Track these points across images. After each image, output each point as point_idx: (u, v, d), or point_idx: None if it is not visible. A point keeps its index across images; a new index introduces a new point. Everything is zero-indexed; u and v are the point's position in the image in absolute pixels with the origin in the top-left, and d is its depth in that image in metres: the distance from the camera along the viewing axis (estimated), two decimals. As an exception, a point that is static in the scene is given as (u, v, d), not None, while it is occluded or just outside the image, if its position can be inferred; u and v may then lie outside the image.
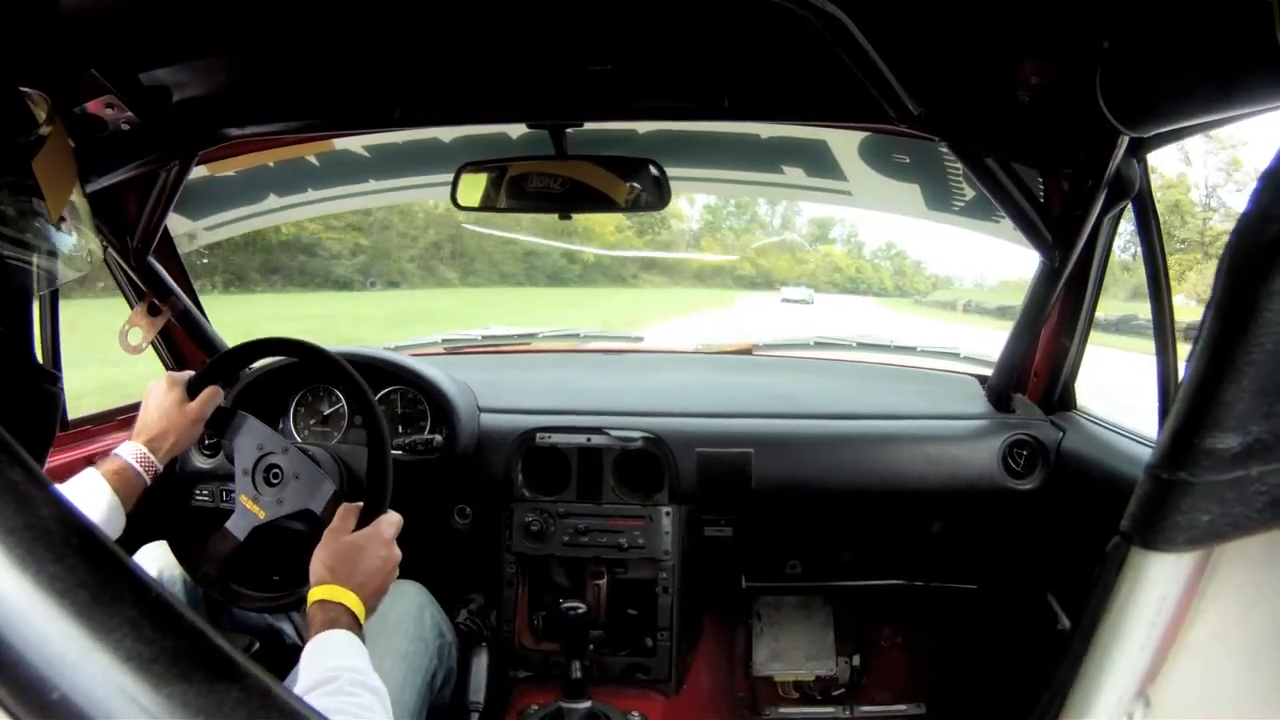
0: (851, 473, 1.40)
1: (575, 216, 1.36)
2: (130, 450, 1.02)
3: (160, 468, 1.04)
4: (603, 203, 1.30)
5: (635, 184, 1.29)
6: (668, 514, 1.41)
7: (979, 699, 1.54)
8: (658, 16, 1.01)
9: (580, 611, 1.27)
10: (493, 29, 1.05)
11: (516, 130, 1.57)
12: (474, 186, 1.32)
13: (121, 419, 1.45)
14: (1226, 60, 0.72)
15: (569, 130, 1.24)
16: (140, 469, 1.01)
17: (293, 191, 1.85)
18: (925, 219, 1.76)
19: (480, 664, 1.32)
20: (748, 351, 1.90)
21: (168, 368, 1.52)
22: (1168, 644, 0.34)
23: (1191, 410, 0.32)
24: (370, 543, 0.92)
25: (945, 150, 1.46)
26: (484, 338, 2.03)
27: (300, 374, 1.41)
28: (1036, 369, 1.46)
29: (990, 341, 1.71)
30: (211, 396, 1.09)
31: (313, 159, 1.78)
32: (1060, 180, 1.21)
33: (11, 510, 0.25)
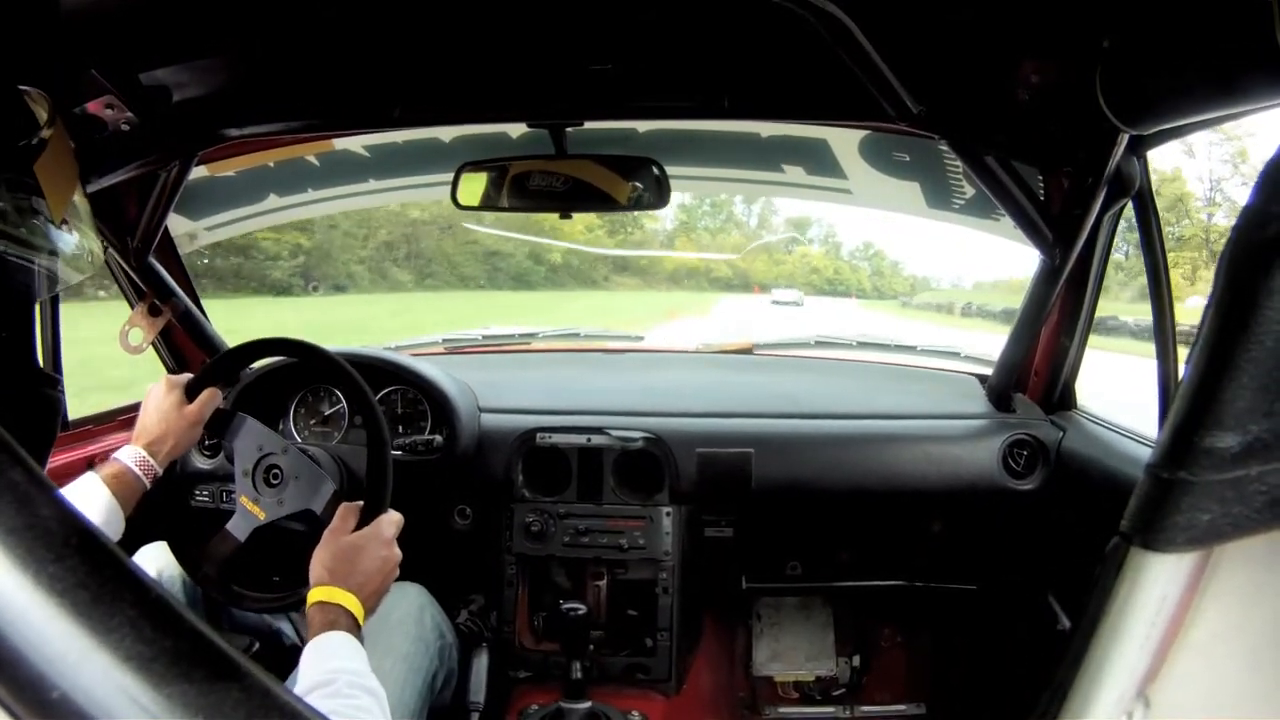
0: (852, 473, 1.40)
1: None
2: (129, 454, 1.02)
3: (159, 471, 1.04)
4: (604, 201, 1.30)
5: (636, 183, 1.29)
6: (668, 514, 1.41)
7: (979, 699, 1.54)
8: (658, 16, 1.01)
9: (580, 612, 1.27)
10: (493, 28, 1.05)
11: (516, 130, 1.57)
12: (474, 186, 1.32)
13: (122, 419, 1.45)
14: (1226, 58, 0.72)
15: (569, 130, 1.24)
16: (139, 472, 1.01)
17: (293, 191, 1.85)
18: (925, 217, 1.76)
19: (480, 664, 1.32)
20: (748, 351, 1.90)
21: (168, 368, 1.52)
22: (1167, 644, 0.34)
23: (1192, 409, 0.32)
24: (370, 543, 0.92)
25: (945, 149, 1.46)
26: (484, 338, 2.03)
27: (300, 374, 1.41)
28: (1037, 368, 1.46)
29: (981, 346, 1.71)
30: (210, 399, 1.08)
31: (313, 159, 1.77)
32: (1060, 178, 1.21)
33: (12, 510, 0.25)
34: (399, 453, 1.32)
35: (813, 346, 1.95)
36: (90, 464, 1.25)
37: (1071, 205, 1.13)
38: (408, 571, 0.98)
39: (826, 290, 25.23)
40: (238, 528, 1.05)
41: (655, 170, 1.28)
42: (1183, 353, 1.09)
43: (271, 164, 1.71)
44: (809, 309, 17.87)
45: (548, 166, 1.28)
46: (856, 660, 1.65)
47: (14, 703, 0.23)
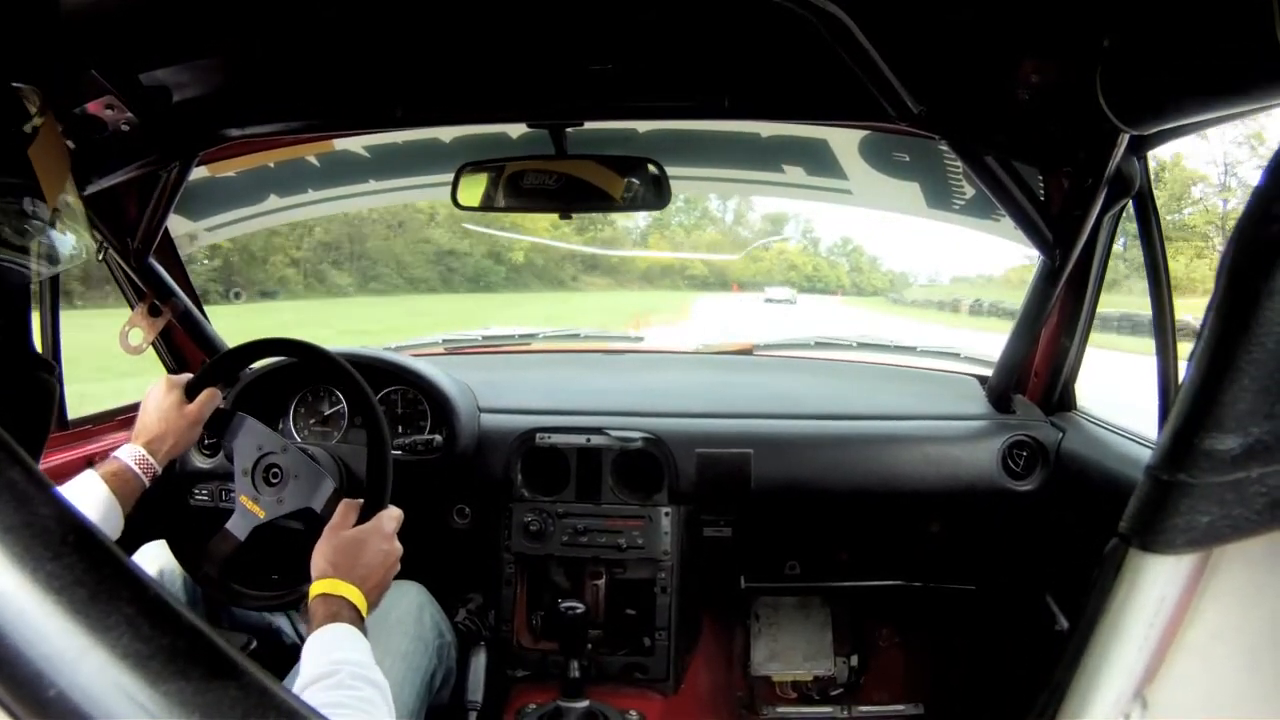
0: (851, 473, 1.40)
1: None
2: (129, 452, 1.02)
3: (159, 470, 1.04)
4: (602, 200, 1.30)
5: (635, 182, 1.29)
6: (667, 514, 1.41)
7: (977, 699, 1.54)
8: (658, 16, 1.01)
9: (579, 611, 1.28)
10: (493, 29, 1.05)
11: (517, 130, 1.57)
12: (474, 186, 1.32)
13: (121, 419, 1.45)
14: (1226, 58, 0.72)
15: (569, 130, 1.24)
16: (139, 471, 1.01)
17: (293, 192, 1.85)
18: (925, 217, 1.76)
19: (479, 663, 1.32)
20: (748, 351, 1.90)
21: (168, 368, 1.52)
22: (1165, 645, 0.34)
23: (1192, 411, 0.32)
24: (371, 537, 0.92)
25: (945, 149, 1.46)
26: (484, 338, 2.04)
27: (300, 374, 1.41)
28: (1037, 369, 1.46)
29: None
30: (210, 398, 1.09)
31: (313, 159, 1.78)
32: (1060, 179, 1.21)
33: (10, 508, 0.25)
34: (399, 452, 1.32)
35: (812, 347, 1.96)
36: (90, 463, 1.25)
37: (1072, 205, 1.12)
38: (407, 570, 0.98)
39: (806, 287, 24.61)
40: (237, 526, 1.05)
41: (654, 170, 1.28)
42: (1183, 351, 1.09)
43: (272, 164, 1.71)
44: (801, 306, 17.71)
45: (547, 166, 1.28)
46: (855, 660, 1.65)
47: (11, 700, 0.23)
